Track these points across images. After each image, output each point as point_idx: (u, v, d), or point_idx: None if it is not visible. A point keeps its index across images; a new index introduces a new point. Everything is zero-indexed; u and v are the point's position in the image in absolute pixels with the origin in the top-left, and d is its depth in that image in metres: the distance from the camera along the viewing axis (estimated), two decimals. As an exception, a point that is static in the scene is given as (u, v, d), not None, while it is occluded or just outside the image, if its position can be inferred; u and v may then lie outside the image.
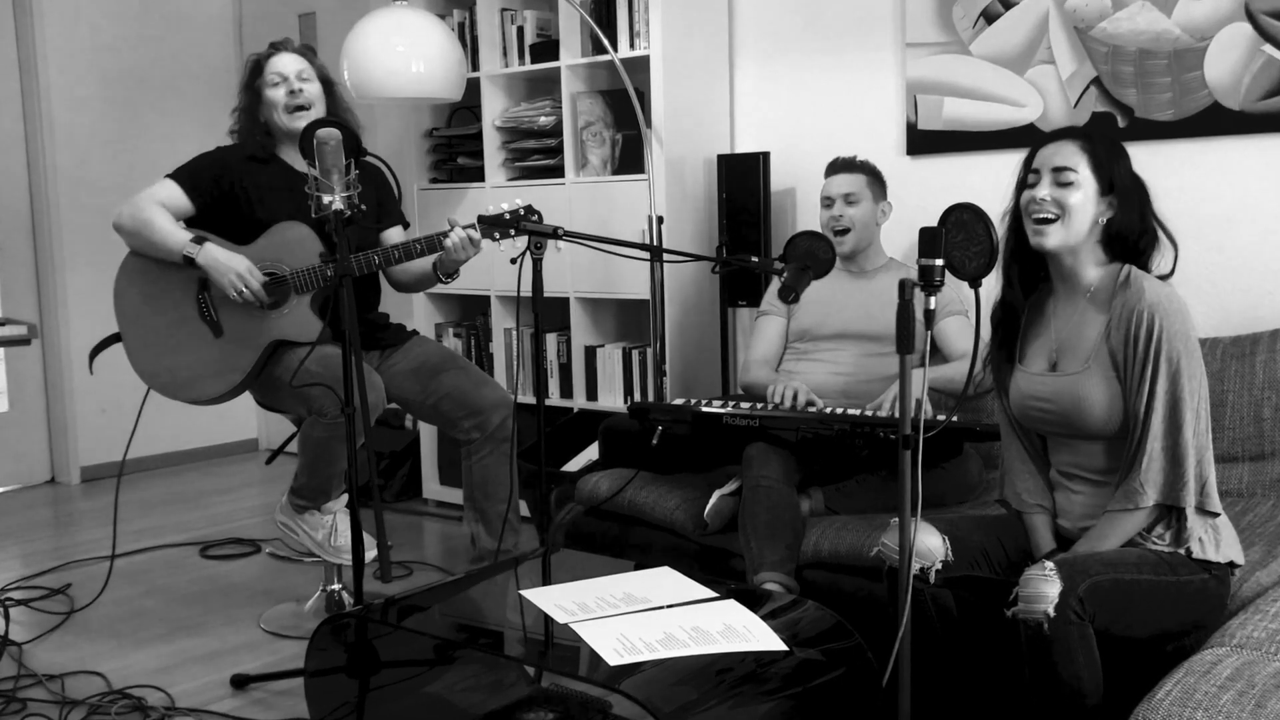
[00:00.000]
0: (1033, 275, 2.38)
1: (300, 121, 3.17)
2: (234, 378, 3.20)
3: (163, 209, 3.19)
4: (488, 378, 3.40)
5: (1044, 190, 2.24)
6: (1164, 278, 2.26)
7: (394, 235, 3.43)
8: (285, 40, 3.36)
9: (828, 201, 3.32)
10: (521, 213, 3.08)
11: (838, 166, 3.36)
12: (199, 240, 3.14)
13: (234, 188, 3.24)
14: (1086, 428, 2.26)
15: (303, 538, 3.33)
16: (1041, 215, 2.24)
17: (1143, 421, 2.17)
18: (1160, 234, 2.28)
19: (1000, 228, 2.28)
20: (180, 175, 3.26)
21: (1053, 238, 2.24)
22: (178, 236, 3.16)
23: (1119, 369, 2.22)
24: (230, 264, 3.11)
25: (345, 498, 3.35)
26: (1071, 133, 2.30)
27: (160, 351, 3.23)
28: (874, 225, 3.33)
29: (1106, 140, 2.28)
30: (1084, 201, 2.22)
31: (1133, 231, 2.24)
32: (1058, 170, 2.23)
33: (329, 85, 3.35)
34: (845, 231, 3.28)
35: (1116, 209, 2.24)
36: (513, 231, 3.02)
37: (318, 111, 3.25)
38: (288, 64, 3.26)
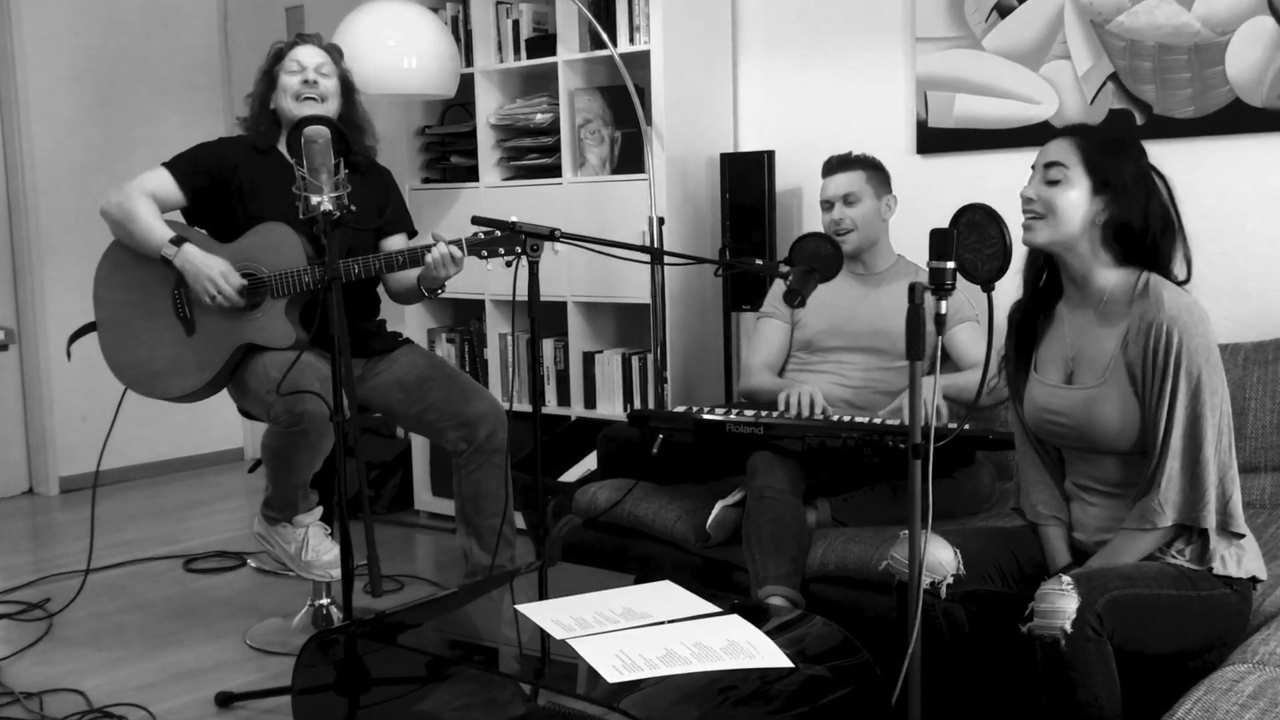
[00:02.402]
0: (1052, 280, 2.38)
1: (308, 110, 3.18)
2: (201, 377, 3.22)
3: (150, 201, 3.20)
4: (478, 388, 3.39)
5: (1031, 188, 2.26)
6: (1180, 284, 2.25)
7: (396, 243, 3.43)
8: (315, 35, 3.37)
9: (827, 205, 3.31)
10: (513, 228, 3.07)
11: (833, 166, 3.33)
12: (178, 240, 3.15)
13: (230, 180, 3.25)
14: (1102, 443, 2.26)
15: (277, 550, 3.35)
16: (1029, 211, 2.25)
17: (1162, 439, 2.16)
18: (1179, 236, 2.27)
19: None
20: (175, 164, 3.27)
21: (1040, 234, 2.24)
22: (158, 234, 3.17)
23: (1136, 383, 2.21)
24: (205, 268, 3.12)
25: (319, 511, 3.36)
26: (1071, 130, 2.31)
27: (132, 344, 3.26)
28: (878, 222, 3.31)
29: (1109, 138, 2.28)
30: (1075, 201, 2.21)
31: (1133, 230, 2.23)
32: (1046, 167, 2.24)
33: (349, 89, 3.35)
34: (847, 233, 3.27)
35: (1113, 208, 2.22)
36: (501, 250, 3.01)
37: (330, 109, 3.25)
38: (309, 55, 3.27)
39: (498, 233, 3.01)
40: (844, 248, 3.23)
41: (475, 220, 3.02)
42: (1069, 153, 2.24)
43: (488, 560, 3.33)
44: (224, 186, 3.25)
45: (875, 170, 3.32)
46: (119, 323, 3.27)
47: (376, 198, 3.35)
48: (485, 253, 3.04)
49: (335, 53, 3.35)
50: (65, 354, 3.39)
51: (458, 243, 3.08)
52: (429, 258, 3.09)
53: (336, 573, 3.25)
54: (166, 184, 3.24)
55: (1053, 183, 2.23)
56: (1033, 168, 2.29)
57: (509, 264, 2.92)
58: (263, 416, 3.18)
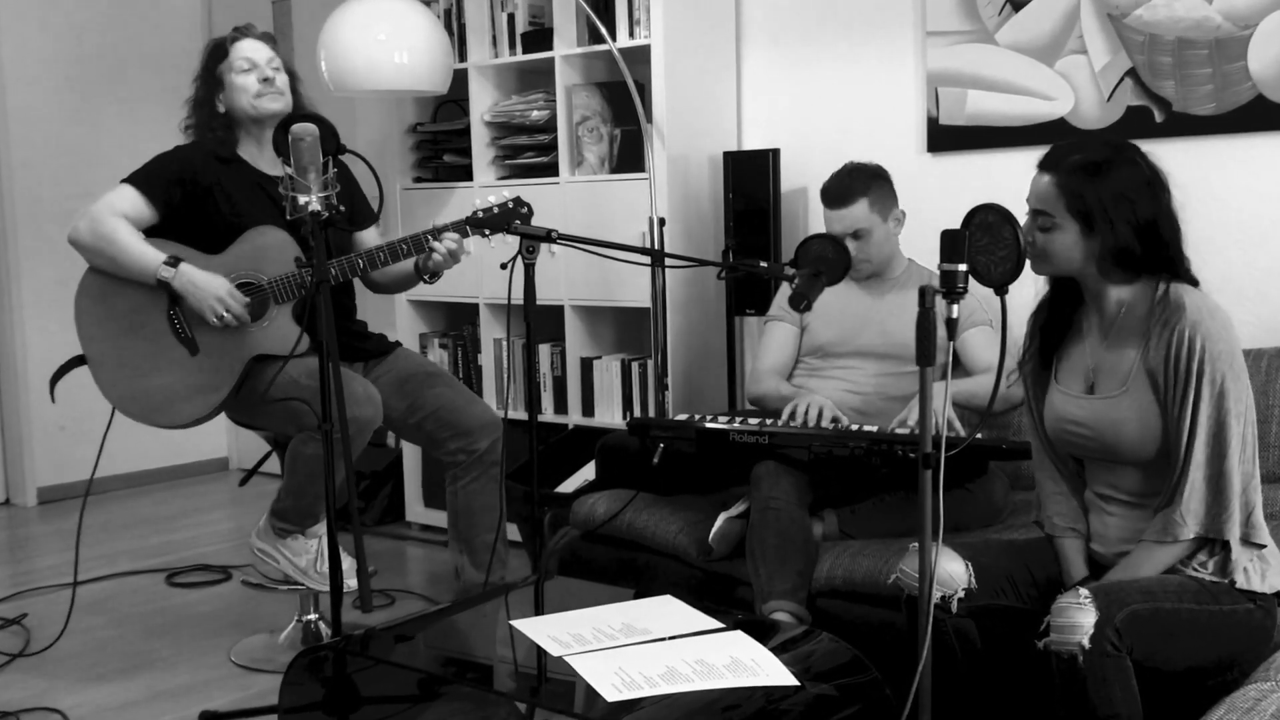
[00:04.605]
0: (1074, 284, 2.37)
1: (274, 104, 3.18)
2: (214, 398, 3.17)
3: (126, 222, 3.14)
4: (477, 397, 3.40)
5: (1027, 229, 2.25)
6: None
7: (369, 236, 3.43)
8: (249, 25, 3.33)
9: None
10: (510, 206, 3.10)
11: (833, 198, 3.21)
12: (173, 261, 3.11)
13: (203, 191, 3.20)
14: (1123, 452, 2.26)
15: (284, 564, 3.31)
16: (1029, 247, 2.25)
17: (1185, 448, 2.17)
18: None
19: None
20: (139, 180, 3.21)
21: (1042, 269, 2.31)
22: (149, 258, 3.11)
23: (1159, 391, 2.21)
24: (209, 288, 3.09)
25: None
26: (1047, 164, 2.26)
27: (132, 374, 3.18)
28: (890, 243, 3.28)
29: (1083, 163, 2.22)
30: (1068, 244, 2.23)
31: (1132, 253, 2.21)
32: (1034, 214, 2.26)
33: (294, 80, 3.33)
34: (862, 264, 3.21)
35: (1106, 240, 2.21)
36: (505, 226, 3.02)
37: (286, 102, 3.24)
38: (257, 50, 3.24)
39: (495, 209, 3.06)
40: (857, 277, 3.23)
41: (469, 220, 3.04)
42: (1052, 199, 2.23)
43: (480, 578, 3.32)
44: (196, 197, 3.20)
45: (878, 187, 3.23)
46: (113, 354, 3.20)
47: (346, 190, 3.33)
48: (489, 231, 3.06)
49: (273, 43, 3.32)
50: (49, 389, 3.31)
51: (460, 228, 3.10)
52: (435, 257, 3.12)
53: (352, 581, 3.20)
54: (135, 202, 3.18)
55: (1044, 229, 2.25)
56: (1027, 200, 2.29)
57: (503, 266, 2.92)
58: (290, 429, 3.15)
